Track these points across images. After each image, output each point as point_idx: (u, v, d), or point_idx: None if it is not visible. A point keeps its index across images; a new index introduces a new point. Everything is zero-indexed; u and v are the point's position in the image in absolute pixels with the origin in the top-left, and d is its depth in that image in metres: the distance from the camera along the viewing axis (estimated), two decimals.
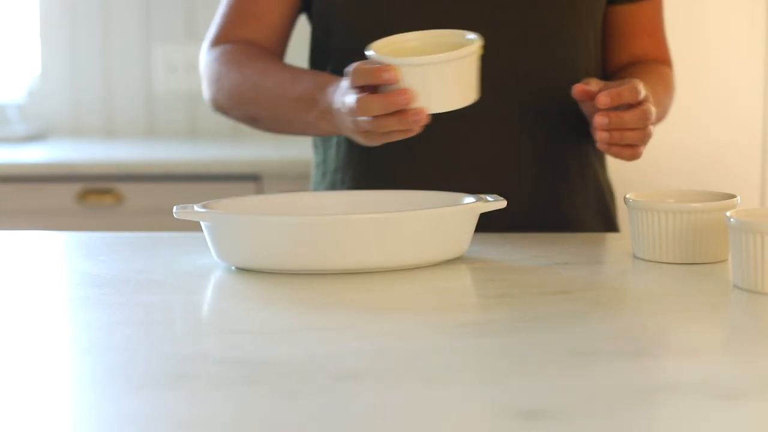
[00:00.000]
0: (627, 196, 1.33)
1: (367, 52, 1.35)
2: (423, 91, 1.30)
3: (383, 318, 1.10)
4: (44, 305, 1.18)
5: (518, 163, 1.55)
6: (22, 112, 3.22)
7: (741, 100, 2.33)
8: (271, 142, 3.07)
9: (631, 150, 1.41)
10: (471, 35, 1.36)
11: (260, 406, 0.85)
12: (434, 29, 1.40)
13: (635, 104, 1.39)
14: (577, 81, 1.47)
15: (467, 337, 1.03)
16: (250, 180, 2.69)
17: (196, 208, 1.29)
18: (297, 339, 1.03)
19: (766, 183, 2.51)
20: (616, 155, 1.41)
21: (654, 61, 1.64)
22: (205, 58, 1.64)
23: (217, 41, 1.64)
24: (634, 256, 1.33)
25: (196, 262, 1.33)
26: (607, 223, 1.63)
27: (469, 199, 1.34)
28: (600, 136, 1.39)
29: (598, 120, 1.38)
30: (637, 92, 1.39)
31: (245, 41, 1.62)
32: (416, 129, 1.33)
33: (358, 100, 1.32)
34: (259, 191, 2.67)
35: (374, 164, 1.57)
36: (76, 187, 2.71)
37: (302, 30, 1.71)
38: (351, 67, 1.35)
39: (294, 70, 1.54)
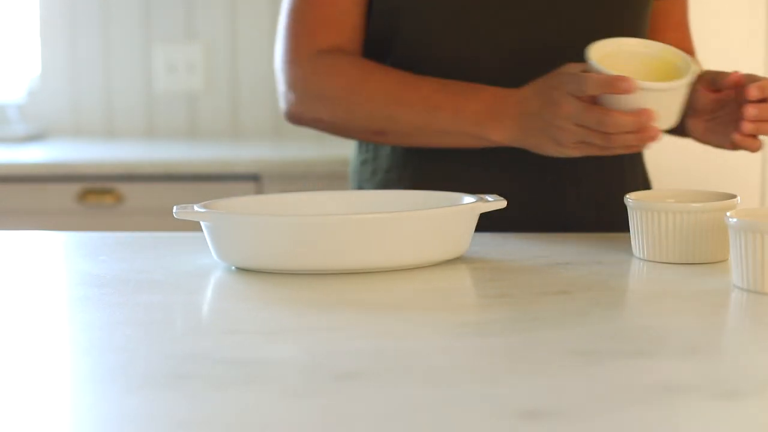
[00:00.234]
0: (627, 196, 1.33)
1: (593, 63, 1.39)
2: (656, 111, 1.37)
3: (383, 318, 1.10)
4: (44, 305, 1.18)
5: (584, 164, 1.56)
6: (22, 112, 3.22)
7: None
8: (271, 142, 3.08)
9: (759, 142, 1.44)
10: (678, 52, 1.45)
11: (260, 406, 0.85)
12: (637, 39, 1.49)
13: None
14: None
15: (467, 337, 1.03)
16: (250, 180, 2.69)
17: (196, 208, 1.29)
18: (297, 339, 1.03)
19: (766, 183, 2.51)
20: (748, 147, 1.44)
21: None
22: (294, 71, 1.58)
23: (306, 51, 1.58)
24: (634, 256, 1.33)
25: (196, 262, 1.33)
26: None
27: (469, 199, 1.34)
28: (746, 127, 1.41)
29: (750, 111, 1.40)
30: None
31: (334, 48, 1.58)
32: (643, 147, 1.41)
33: (611, 116, 1.36)
34: (259, 191, 2.67)
35: (436, 165, 1.57)
36: (76, 187, 2.71)
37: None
38: (573, 75, 1.38)
39: (434, 81, 1.52)
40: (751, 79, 1.43)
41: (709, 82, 1.46)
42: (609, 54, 1.43)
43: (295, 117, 1.60)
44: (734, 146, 1.44)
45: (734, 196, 1.31)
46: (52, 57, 3.21)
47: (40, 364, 0.96)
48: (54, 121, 3.23)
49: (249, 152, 2.86)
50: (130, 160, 2.74)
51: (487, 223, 1.42)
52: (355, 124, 1.57)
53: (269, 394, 0.87)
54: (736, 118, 1.42)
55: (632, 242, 1.33)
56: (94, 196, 2.71)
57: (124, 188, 2.70)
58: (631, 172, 1.65)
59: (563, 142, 1.41)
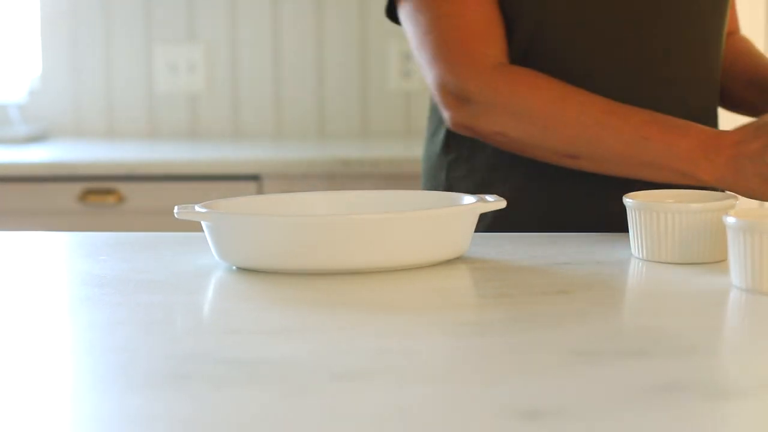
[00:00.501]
0: (626, 196, 1.33)
1: None
2: None
3: (383, 318, 1.10)
4: (45, 305, 1.18)
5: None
6: (24, 112, 3.23)
7: None
8: (271, 142, 3.08)
9: None
10: None
11: (260, 406, 0.85)
12: None
13: None
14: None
15: (467, 337, 1.03)
16: (251, 180, 2.69)
17: (197, 208, 1.29)
18: (297, 339, 1.03)
19: None
20: None
21: (733, 32, 1.75)
22: (475, 82, 1.52)
23: (481, 63, 1.52)
24: (634, 256, 1.33)
25: (196, 262, 1.33)
26: None
27: (469, 199, 1.34)
28: None
29: None
30: None
31: (499, 61, 1.54)
32: None
33: None
34: (259, 191, 2.68)
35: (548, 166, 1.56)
36: (77, 188, 2.71)
37: None
38: None
39: (641, 111, 1.49)
40: None
41: None
42: None
43: (470, 128, 1.53)
44: None
45: (734, 197, 1.32)
46: (53, 57, 3.22)
47: (41, 364, 0.96)
48: (55, 121, 3.23)
49: (249, 152, 2.87)
50: (131, 160, 2.74)
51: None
52: (548, 144, 1.50)
53: (269, 394, 0.87)
54: None
55: (632, 242, 1.33)
56: (95, 196, 2.71)
57: (125, 188, 2.70)
58: None
59: None
